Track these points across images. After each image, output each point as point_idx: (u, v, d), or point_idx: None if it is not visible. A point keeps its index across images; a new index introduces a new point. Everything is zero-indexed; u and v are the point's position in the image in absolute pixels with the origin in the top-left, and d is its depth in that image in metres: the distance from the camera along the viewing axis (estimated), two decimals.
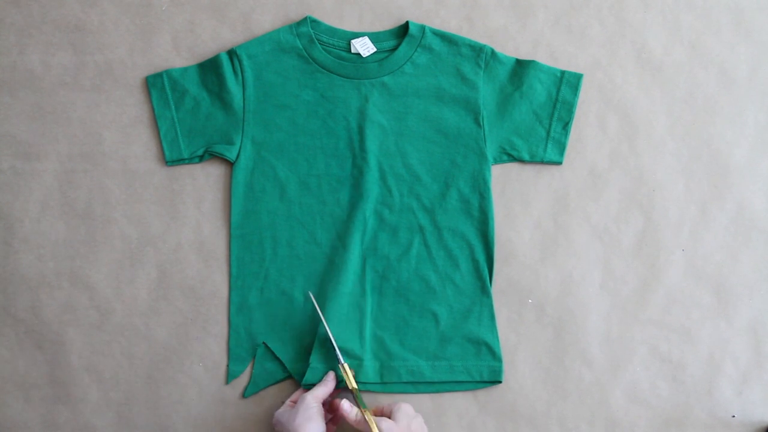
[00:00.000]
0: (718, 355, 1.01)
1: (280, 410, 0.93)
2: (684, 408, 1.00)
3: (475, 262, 1.02)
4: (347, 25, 1.07)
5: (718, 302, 1.03)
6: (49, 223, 1.04)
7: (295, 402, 0.95)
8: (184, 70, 1.05)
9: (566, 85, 1.05)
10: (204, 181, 1.05)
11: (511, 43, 1.07)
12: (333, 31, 1.06)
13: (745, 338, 1.02)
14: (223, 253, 1.03)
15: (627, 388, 1.01)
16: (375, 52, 1.05)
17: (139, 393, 1.01)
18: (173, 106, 1.05)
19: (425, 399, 1.00)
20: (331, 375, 0.97)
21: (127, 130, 1.06)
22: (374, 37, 1.06)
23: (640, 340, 1.02)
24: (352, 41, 1.05)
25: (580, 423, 1.00)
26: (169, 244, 1.03)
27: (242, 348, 1.01)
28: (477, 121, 1.03)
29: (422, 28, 1.05)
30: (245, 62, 1.04)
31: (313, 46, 1.05)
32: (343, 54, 1.05)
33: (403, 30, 1.06)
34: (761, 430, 1.00)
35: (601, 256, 1.03)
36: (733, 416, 1.00)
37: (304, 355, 1.00)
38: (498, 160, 1.04)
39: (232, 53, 1.04)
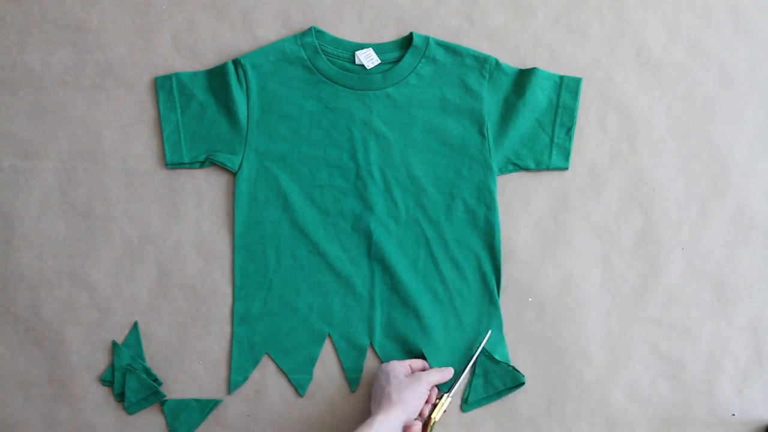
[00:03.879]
0: (718, 353, 1.01)
1: (396, 364, 0.95)
2: (684, 406, 1.00)
3: (482, 273, 1.02)
4: (347, 24, 1.07)
5: (717, 301, 1.03)
6: (49, 222, 1.04)
7: (411, 368, 0.96)
8: (194, 74, 1.05)
9: (566, 90, 1.05)
10: (204, 180, 1.05)
11: (511, 42, 1.07)
12: (337, 42, 1.06)
13: (745, 337, 1.02)
14: (224, 252, 1.03)
15: (627, 387, 1.01)
16: (379, 64, 1.05)
17: None
18: (179, 110, 1.04)
19: None
20: (450, 370, 0.98)
21: (128, 129, 1.06)
22: (378, 49, 1.06)
23: (640, 338, 1.02)
24: (357, 53, 1.05)
25: (580, 422, 1.00)
26: (169, 243, 1.03)
27: (245, 358, 1.01)
28: (481, 132, 1.03)
29: (426, 39, 1.05)
30: (249, 72, 1.04)
31: (318, 57, 1.05)
32: (348, 65, 1.05)
33: (407, 41, 1.06)
34: (761, 428, 1.00)
35: (601, 254, 1.03)
36: (733, 415, 1.00)
37: (306, 366, 1.00)
38: (503, 171, 1.04)
39: (236, 63, 1.04)
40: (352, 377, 1.00)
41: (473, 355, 0.99)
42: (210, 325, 1.02)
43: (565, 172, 1.05)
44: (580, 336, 1.02)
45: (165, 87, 1.05)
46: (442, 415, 0.97)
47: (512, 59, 1.06)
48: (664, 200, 1.04)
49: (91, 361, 1.01)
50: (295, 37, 1.06)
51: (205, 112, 1.04)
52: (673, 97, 1.07)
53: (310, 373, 1.00)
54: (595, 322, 1.02)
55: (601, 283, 1.03)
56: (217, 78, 1.04)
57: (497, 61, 1.05)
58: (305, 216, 1.03)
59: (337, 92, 1.05)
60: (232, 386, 1.00)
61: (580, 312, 1.02)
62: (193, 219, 1.04)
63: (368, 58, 1.05)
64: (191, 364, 1.01)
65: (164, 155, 1.04)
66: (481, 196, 1.03)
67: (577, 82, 1.05)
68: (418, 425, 0.91)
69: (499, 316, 1.01)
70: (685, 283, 1.03)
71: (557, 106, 1.04)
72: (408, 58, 1.05)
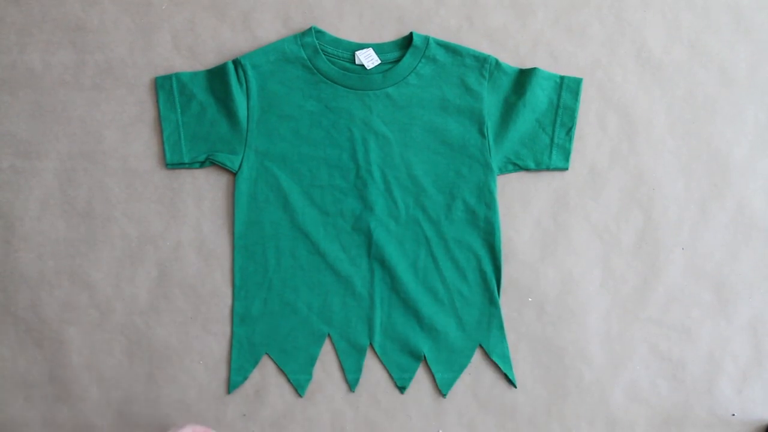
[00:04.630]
0: (718, 353, 1.01)
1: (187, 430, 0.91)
2: (684, 406, 1.00)
3: (482, 273, 1.02)
4: (347, 24, 1.08)
5: (717, 301, 1.03)
6: (49, 222, 1.04)
7: None
8: (194, 74, 1.05)
9: (566, 90, 1.05)
10: (204, 180, 1.05)
11: (511, 42, 1.07)
12: (338, 42, 1.06)
13: (745, 337, 1.02)
14: (224, 252, 1.03)
15: (627, 387, 1.01)
16: (379, 64, 1.05)
17: (140, 392, 1.01)
18: (179, 110, 1.04)
19: (425, 397, 1.00)
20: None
21: (128, 129, 1.06)
22: (378, 49, 1.06)
23: (640, 338, 1.02)
24: (357, 53, 1.05)
25: (580, 422, 1.00)
26: (169, 243, 1.03)
27: (244, 358, 1.01)
28: (481, 132, 1.03)
29: (426, 39, 1.05)
30: (249, 72, 1.04)
31: (318, 57, 1.05)
32: (348, 65, 1.05)
33: (407, 41, 1.06)
34: (761, 428, 1.00)
35: (600, 254, 1.03)
36: (733, 415, 1.00)
37: (306, 366, 1.00)
38: (503, 170, 1.04)
39: (236, 63, 1.04)
40: (352, 377, 1.00)
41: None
42: (210, 326, 1.02)
43: (565, 172, 1.05)
44: (580, 336, 1.02)
45: (165, 87, 1.05)
46: None
47: (512, 59, 1.06)
48: (664, 200, 1.05)
49: (91, 361, 1.01)
50: (295, 37, 1.06)
51: (205, 112, 1.04)
52: (673, 97, 1.07)
53: (310, 373, 1.01)
54: (595, 322, 1.02)
55: (601, 283, 1.03)
56: (217, 78, 1.04)
57: (497, 61, 1.05)
58: (305, 216, 1.03)
59: (337, 92, 1.05)
60: (231, 386, 1.00)
61: (580, 312, 1.02)
62: (193, 219, 1.04)
63: (368, 58, 1.05)
64: (191, 364, 1.01)
65: (164, 155, 1.04)
66: (481, 195, 1.03)
67: (577, 82, 1.05)
68: None
69: (499, 316, 1.01)
70: (685, 283, 1.03)
71: (558, 106, 1.04)
72: (408, 58, 1.05)
